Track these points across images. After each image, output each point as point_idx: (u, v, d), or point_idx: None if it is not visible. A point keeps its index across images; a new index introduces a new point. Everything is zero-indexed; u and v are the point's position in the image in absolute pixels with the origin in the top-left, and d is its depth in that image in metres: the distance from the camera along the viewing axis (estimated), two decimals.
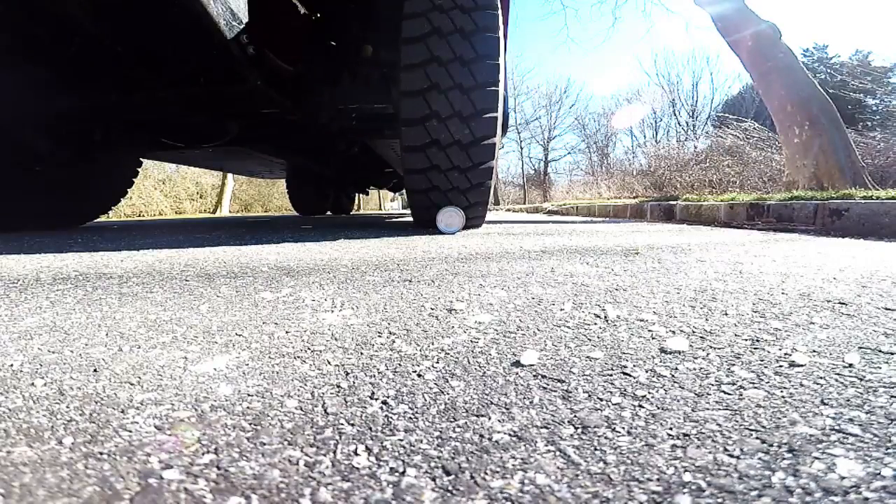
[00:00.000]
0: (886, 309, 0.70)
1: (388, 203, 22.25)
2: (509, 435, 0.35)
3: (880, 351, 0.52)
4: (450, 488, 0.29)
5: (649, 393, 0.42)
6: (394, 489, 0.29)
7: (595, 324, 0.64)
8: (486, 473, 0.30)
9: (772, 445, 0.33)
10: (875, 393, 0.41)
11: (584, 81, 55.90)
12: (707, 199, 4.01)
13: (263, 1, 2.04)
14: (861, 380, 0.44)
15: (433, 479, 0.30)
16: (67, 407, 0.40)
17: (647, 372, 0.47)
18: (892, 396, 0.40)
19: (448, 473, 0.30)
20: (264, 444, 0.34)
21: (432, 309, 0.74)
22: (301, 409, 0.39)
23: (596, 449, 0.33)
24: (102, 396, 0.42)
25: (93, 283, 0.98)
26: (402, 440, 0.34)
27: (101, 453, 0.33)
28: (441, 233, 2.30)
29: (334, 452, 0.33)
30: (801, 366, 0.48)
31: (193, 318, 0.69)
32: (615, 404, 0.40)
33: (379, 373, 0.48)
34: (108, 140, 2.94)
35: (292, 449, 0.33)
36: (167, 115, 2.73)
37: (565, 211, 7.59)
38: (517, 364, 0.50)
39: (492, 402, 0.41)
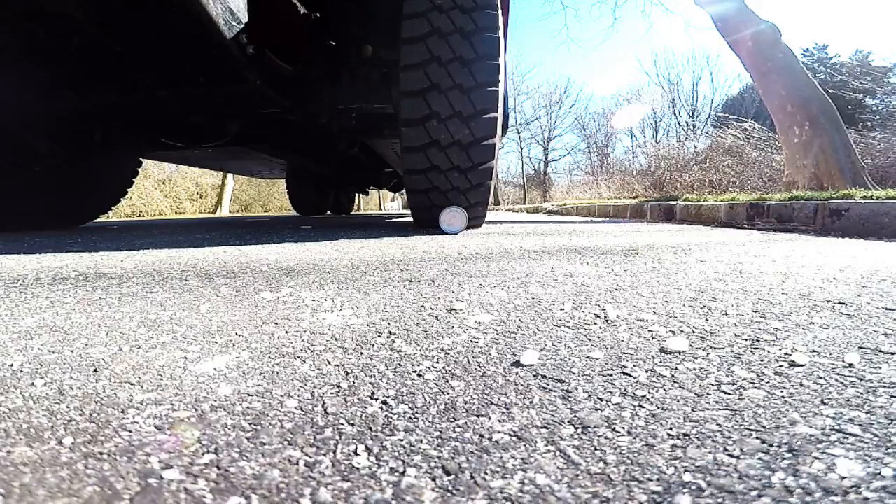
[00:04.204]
0: (886, 309, 0.70)
1: (388, 203, 22.25)
2: (509, 435, 0.35)
3: (880, 351, 0.52)
4: (450, 488, 0.29)
5: (649, 393, 0.42)
6: (394, 489, 0.29)
7: (595, 324, 0.64)
8: (486, 473, 0.30)
9: (772, 445, 0.33)
10: (875, 393, 0.41)
11: (584, 81, 56.02)
12: (707, 199, 4.01)
13: (263, 0, 2.04)
14: (861, 380, 0.44)
15: (433, 479, 0.30)
16: (67, 407, 0.40)
17: (647, 372, 0.47)
18: (892, 396, 0.40)
19: (448, 473, 0.30)
20: (264, 444, 0.34)
21: (432, 309, 0.74)
22: (301, 409, 0.39)
23: (596, 449, 0.33)
24: (102, 396, 0.42)
25: (93, 283, 0.98)
26: (402, 440, 0.34)
27: (101, 453, 0.33)
28: (442, 232, 2.30)
29: (334, 452, 0.33)
30: (801, 366, 0.48)
31: (193, 318, 0.69)
32: (615, 404, 0.40)
33: (379, 373, 0.48)
34: (108, 140, 2.94)
35: (292, 449, 0.33)
36: (167, 114, 2.73)
37: (565, 211, 7.59)
38: (517, 364, 0.50)
39: (492, 402, 0.41)
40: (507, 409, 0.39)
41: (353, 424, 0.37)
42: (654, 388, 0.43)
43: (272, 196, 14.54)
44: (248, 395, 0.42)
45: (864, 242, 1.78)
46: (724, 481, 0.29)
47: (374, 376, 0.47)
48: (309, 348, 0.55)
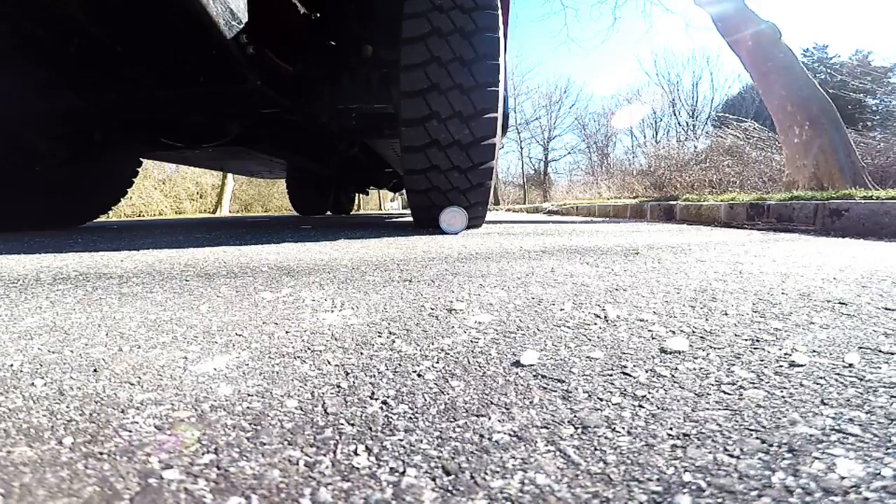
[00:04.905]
0: (886, 309, 0.70)
1: (388, 203, 22.25)
2: (509, 435, 0.35)
3: (880, 351, 0.52)
4: (450, 488, 0.29)
5: (649, 393, 0.42)
6: (394, 489, 0.29)
7: (595, 324, 0.64)
8: (486, 473, 0.30)
9: (772, 445, 0.33)
10: (875, 393, 0.41)
11: (584, 81, 55.99)
12: (707, 199, 4.01)
13: (263, 0, 2.04)
14: (861, 380, 0.44)
15: (433, 479, 0.30)
16: (67, 407, 0.40)
17: (647, 372, 0.47)
18: (892, 396, 0.40)
19: (448, 473, 0.30)
20: (264, 444, 0.34)
21: (432, 309, 0.74)
22: (301, 409, 0.39)
23: (596, 449, 0.33)
24: (102, 396, 0.42)
25: (93, 283, 0.98)
26: (402, 440, 0.34)
27: (101, 453, 0.33)
28: (442, 232, 2.30)
29: (334, 452, 0.33)
30: (801, 366, 0.48)
31: (193, 318, 0.69)
32: (615, 404, 0.40)
33: (379, 373, 0.48)
34: (107, 140, 2.94)
35: (292, 449, 0.33)
36: (167, 114, 2.73)
37: (565, 211, 7.59)
38: (517, 364, 0.50)
39: (492, 402, 0.41)
40: (507, 409, 0.39)
41: (353, 424, 0.37)
42: (654, 388, 0.43)
43: (272, 196, 14.53)
44: (248, 395, 0.42)
45: (864, 242, 1.78)
46: (724, 481, 0.29)
47: (374, 376, 0.47)
48: (309, 348, 0.55)
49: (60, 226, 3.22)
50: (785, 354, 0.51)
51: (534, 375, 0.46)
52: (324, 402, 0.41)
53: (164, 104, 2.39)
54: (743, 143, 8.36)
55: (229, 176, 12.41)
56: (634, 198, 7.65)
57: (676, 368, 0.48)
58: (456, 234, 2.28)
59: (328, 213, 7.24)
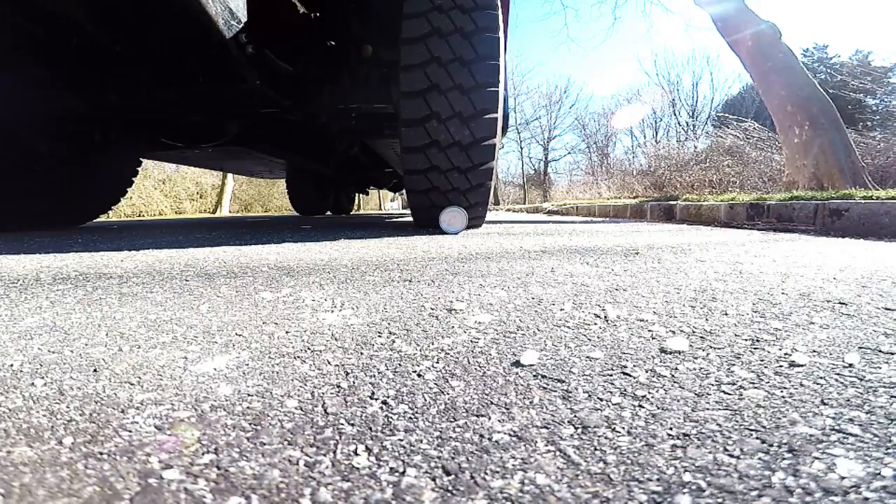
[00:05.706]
0: (886, 309, 0.70)
1: (388, 203, 22.25)
2: (509, 435, 0.35)
3: (880, 351, 0.52)
4: (450, 488, 0.29)
5: (649, 393, 0.42)
6: (394, 489, 0.29)
7: (595, 324, 0.64)
8: (486, 473, 0.30)
9: (772, 445, 0.33)
10: (875, 393, 0.41)
11: (584, 81, 56.06)
12: (707, 199, 4.01)
13: (262, 0, 2.04)
14: (861, 380, 0.44)
15: (433, 479, 0.30)
16: (67, 407, 0.40)
17: (647, 372, 0.47)
18: (892, 396, 0.40)
19: (448, 473, 0.30)
20: (264, 444, 0.34)
21: (432, 309, 0.74)
22: (301, 409, 0.39)
23: (596, 449, 0.33)
24: (102, 396, 0.42)
25: (93, 283, 0.98)
26: (402, 440, 0.34)
27: (101, 453, 0.33)
28: (442, 232, 2.30)
29: (334, 452, 0.33)
30: (801, 366, 0.48)
31: (193, 318, 0.69)
32: (615, 404, 0.40)
33: (379, 373, 0.48)
34: (107, 140, 2.94)
35: (292, 449, 0.33)
36: (167, 114, 2.73)
37: (565, 211, 7.59)
38: (517, 364, 0.49)
39: (492, 402, 0.41)
40: (507, 409, 0.39)
41: (353, 424, 0.37)
42: (654, 388, 0.43)
43: (272, 196, 14.53)
44: (248, 395, 0.42)
45: (864, 242, 1.78)
46: (724, 481, 0.29)
47: (374, 376, 0.47)
48: (309, 348, 0.55)
49: (60, 226, 3.22)
50: (785, 354, 0.51)
51: (534, 375, 0.46)
52: (324, 402, 0.41)
53: (163, 104, 2.39)
54: (743, 143, 8.37)
55: (229, 176, 12.40)
56: (634, 198, 7.65)
57: (676, 368, 0.48)
58: (456, 234, 2.28)
59: (328, 213, 7.24)
